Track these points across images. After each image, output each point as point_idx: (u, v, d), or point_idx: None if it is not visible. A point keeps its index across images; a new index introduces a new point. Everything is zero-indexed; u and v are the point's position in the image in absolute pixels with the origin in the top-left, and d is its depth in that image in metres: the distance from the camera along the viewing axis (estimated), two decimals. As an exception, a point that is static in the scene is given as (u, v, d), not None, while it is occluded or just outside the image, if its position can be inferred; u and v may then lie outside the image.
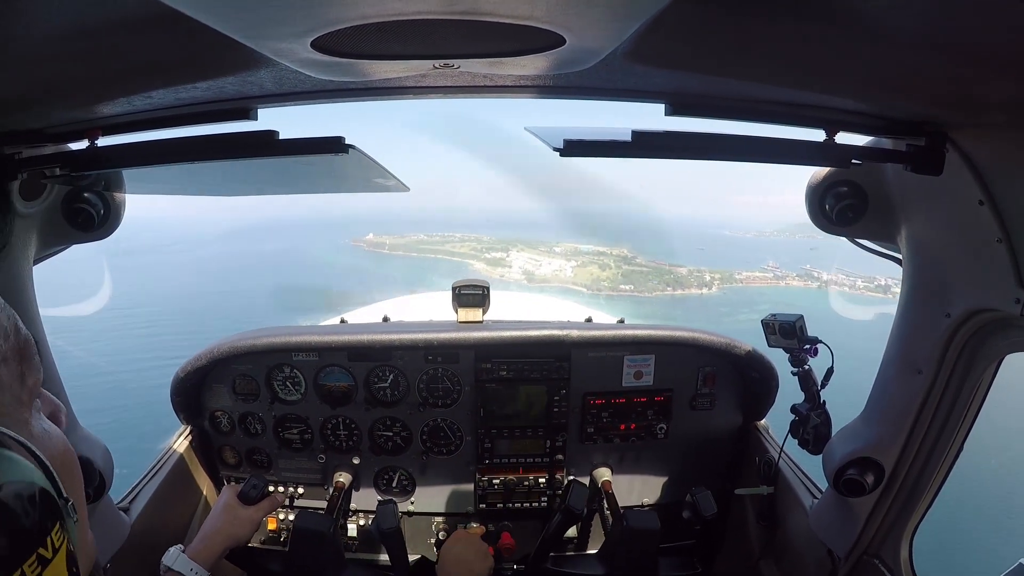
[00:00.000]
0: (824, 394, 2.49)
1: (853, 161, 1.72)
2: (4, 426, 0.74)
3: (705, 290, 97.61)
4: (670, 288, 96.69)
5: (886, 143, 1.75)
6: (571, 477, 3.15)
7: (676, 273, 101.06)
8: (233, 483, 2.98)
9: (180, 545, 2.30)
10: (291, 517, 3.15)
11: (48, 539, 0.69)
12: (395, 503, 2.71)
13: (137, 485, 2.72)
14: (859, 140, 1.78)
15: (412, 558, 2.91)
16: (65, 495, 0.77)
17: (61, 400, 2.23)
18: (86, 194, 2.07)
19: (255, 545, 3.15)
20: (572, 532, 3.19)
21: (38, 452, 0.76)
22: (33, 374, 0.88)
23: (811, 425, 2.44)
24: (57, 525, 0.72)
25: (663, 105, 1.65)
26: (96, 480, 2.12)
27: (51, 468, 0.77)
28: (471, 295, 3.12)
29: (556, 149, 1.52)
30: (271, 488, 3.17)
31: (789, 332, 2.45)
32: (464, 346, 2.99)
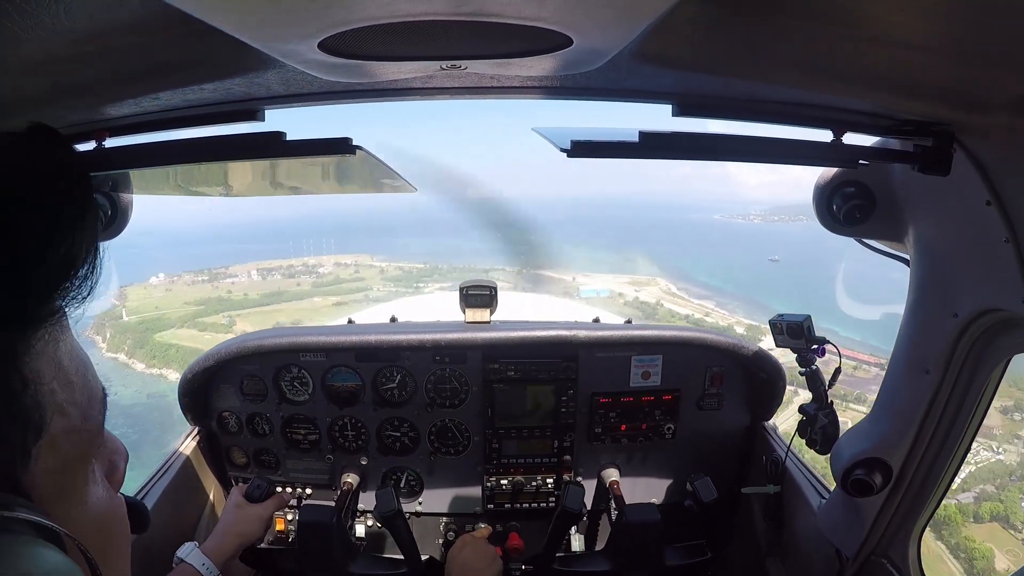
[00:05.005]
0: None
1: (860, 161, 1.71)
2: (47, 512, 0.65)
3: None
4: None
5: (893, 143, 1.74)
6: (578, 478, 3.15)
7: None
8: (241, 483, 2.99)
9: (195, 541, 2.33)
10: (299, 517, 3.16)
11: None
12: (392, 490, 2.69)
13: (145, 485, 2.73)
14: (866, 140, 1.78)
15: (422, 558, 2.92)
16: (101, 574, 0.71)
17: None
18: (93, 195, 2.08)
19: (265, 546, 3.15)
20: (580, 539, 3.18)
21: (79, 544, 0.67)
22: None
23: (819, 425, 2.43)
24: None
25: (670, 106, 1.65)
26: None
27: (90, 556, 0.68)
28: (478, 295, 3.12)
29: (563, 150, 1.52)
30: (279, 488, 3.19)
31: (796, 332, 2.44)
32: (472, 346, 2.99)
